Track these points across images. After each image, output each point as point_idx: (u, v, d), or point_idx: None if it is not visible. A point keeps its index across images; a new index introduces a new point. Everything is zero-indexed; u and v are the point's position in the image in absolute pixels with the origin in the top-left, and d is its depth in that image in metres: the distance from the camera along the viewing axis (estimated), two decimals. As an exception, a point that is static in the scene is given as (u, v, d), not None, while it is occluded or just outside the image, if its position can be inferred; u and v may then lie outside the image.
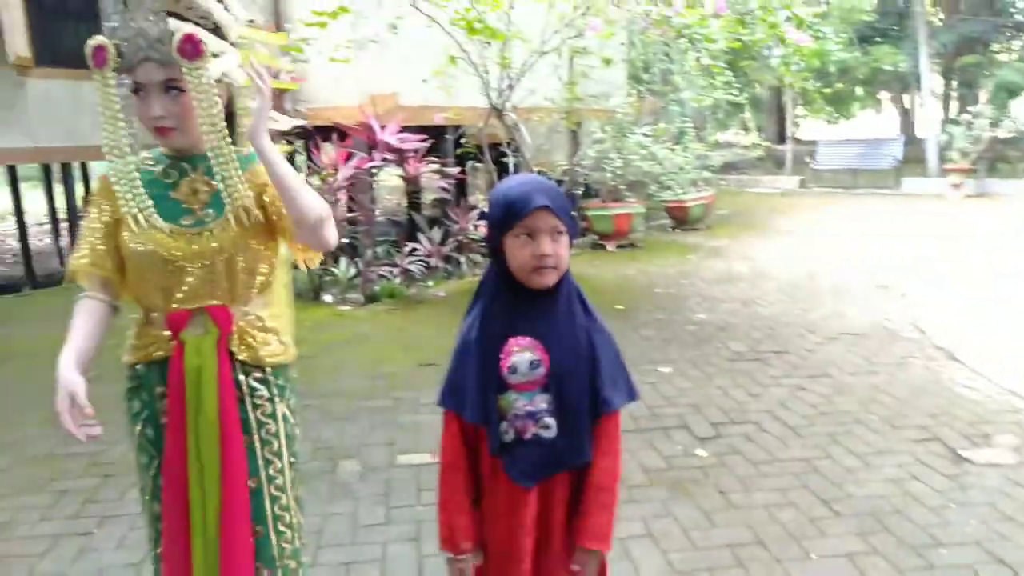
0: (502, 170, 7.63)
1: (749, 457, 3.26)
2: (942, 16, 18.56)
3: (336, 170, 6.11)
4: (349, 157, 6.26)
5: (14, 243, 10.29)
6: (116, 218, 1.62)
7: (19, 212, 7.92)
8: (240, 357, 1.65)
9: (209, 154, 1.58)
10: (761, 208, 12.29)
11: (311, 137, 6.53)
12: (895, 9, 19.58)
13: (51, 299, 6.78)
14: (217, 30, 1.59)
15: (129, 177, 1.59)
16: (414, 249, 6.87)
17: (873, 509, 2.79)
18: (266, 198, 1.64)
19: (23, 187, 8.18)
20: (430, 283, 6.78)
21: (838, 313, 5.63)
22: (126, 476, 3.17)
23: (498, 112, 6.11)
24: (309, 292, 6.29)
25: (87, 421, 1.53)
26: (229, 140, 1.57)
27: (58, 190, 9.33)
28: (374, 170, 6.53)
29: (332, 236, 1.66)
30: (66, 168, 7.90)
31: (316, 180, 5.94)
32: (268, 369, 1.70)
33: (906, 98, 21.97)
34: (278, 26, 7.20)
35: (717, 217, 10.80)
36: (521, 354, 1.46)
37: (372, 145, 6.32)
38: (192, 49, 1.49)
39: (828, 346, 4.81)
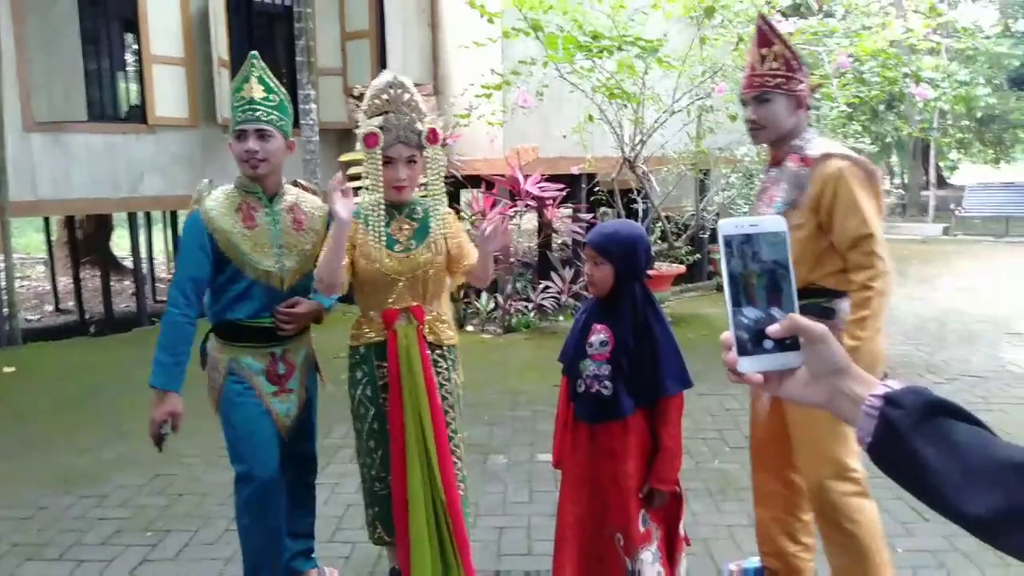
0: (631, 215, 8.20)
1: (852, 474, 3.60)
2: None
3: (483, 215, 6.92)
4: (494, 204, 7.07)
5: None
6: (354, 244, 2.33)
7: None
8: (429, 339, 2.39)
9: (432, 203, 2.37)
10: (896, 254, 12.03)
11: (462, 186, 7.42)
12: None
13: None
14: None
15: (379, 220, 2.33)
16: (547, 286, 7.56)
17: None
18: (450, 238, 2.42)
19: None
20: (560, 317, 7.43)
21: (962, 358, 5.74)
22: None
23: (630, 163, 6.72)
24: (454, 322, 7.09)
25: None
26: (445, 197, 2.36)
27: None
28: (515, 215, 7.30)
29: (489, 274, 2.45)
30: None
31: (466, 224, 6.77)
32: (445, 347, 2.46)
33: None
34: (436, 88, 8.27)
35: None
36: (597, 335, 2.14)
37: (515, 193, 7.09)
38: (434, 137, 2.32)
39: (946, 386, 4.98)
